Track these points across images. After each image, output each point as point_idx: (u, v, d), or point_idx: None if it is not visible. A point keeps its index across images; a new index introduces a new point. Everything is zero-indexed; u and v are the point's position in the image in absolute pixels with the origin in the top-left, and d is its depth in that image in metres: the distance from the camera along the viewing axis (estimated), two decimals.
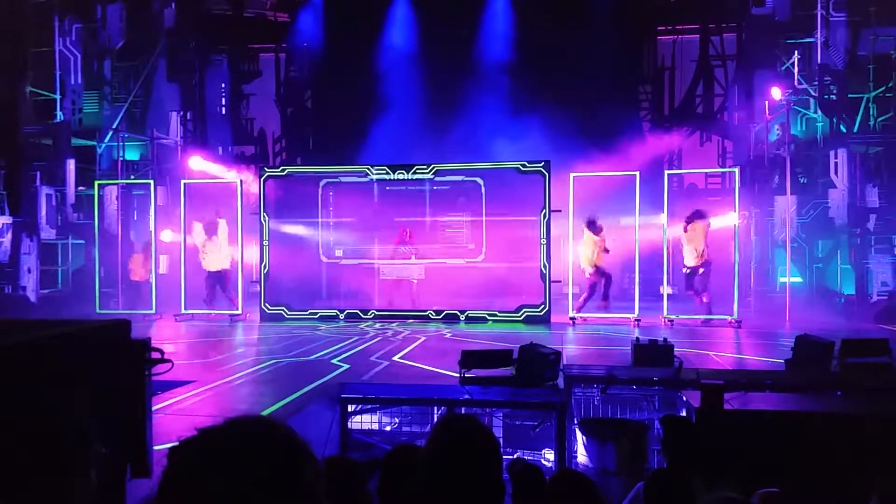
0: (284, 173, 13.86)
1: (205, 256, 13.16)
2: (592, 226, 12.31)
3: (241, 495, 1.00)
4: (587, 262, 12.31)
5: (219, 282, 13.21)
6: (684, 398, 5.17)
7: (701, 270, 12.12)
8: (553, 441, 5.71)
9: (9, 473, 1.15)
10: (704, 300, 12.09)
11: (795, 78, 15.18)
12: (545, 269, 12.49)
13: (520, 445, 6.03)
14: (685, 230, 12.21)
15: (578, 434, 5.68)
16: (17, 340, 2.44)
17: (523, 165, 12.74)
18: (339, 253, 13.58)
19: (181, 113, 18.31)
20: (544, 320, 12.34)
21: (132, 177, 16.44)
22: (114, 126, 16.56)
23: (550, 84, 16.21)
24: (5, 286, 14.68)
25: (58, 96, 16.14)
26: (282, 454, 1.05)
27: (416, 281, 13.18)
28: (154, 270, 13.81)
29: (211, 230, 13.20)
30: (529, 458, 5.57)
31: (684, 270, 12.41)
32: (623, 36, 17.94)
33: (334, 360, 8.56)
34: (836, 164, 14.17)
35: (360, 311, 12.99)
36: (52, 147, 15.89)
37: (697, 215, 12.29)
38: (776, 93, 14.19)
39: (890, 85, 14.58)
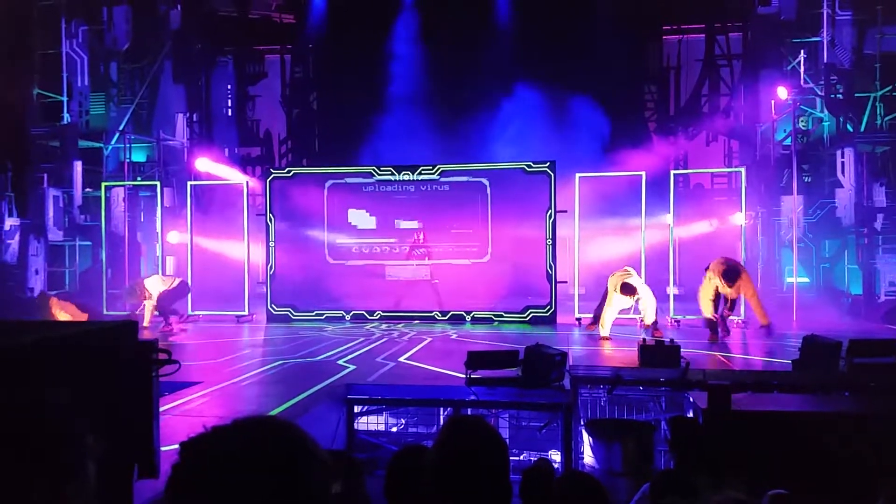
0: (290, 174, 13.89)
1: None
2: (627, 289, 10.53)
3: (249, 494, 1.00)
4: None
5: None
6: (691, 399, 5.17)
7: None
8: (559, 442, 5.71)
9: (8, 472, 1.15)
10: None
11: (801, 77, 15.13)
12: (551, 270, 12.47)
13: (526, 446, 6.03)
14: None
15: (585, 435, 5.68)
16: (25, 341, 2.45)
17: (529, 166, 12.73)
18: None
19: (187, 114, 18.37)
20: (550, 321, 12.33)
21: (139, 178, 16.50)
22: (120, 128, 16.63)
23: (555, 84, 16.18)
24: (13, 287, 14.75)
25: (65, 98, 16.21)
26: (291, 454, 1.05)
27: (437, 281, 13.17)
28: (161, 269, 13.83)
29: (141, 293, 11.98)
30: (536, 459, 5.57)
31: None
32: (628, 36, 17.92)
33: (341, 361, 8.56)
34: (842, 163, 14.11)
35: (366, 311, 13.01)
36: (59, 149, 15.96)
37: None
38: (782, 92, 14.15)
39: None
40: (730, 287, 10.08)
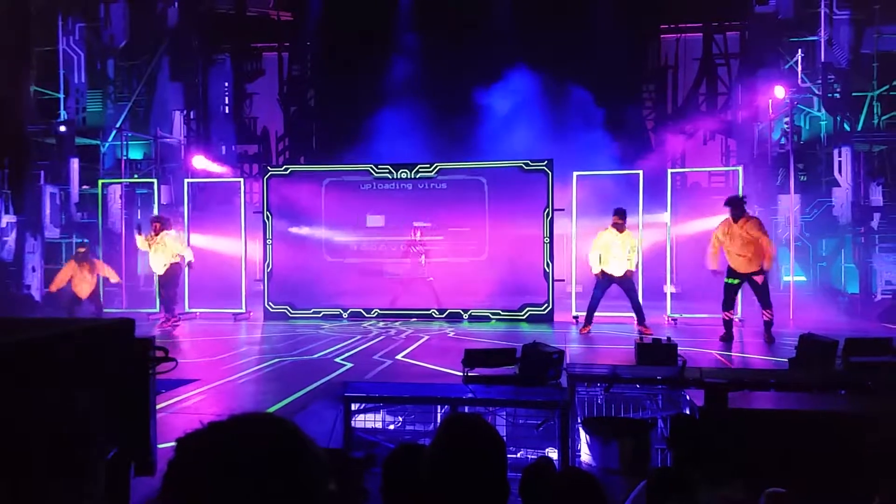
0: (287, 172, 13.87)
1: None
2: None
3: (246, 490, 1.00)
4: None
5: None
6: (688, 397, 5.17)
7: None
8: (556, 440, 5.71)
9: (18, 471, 1.15)
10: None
11: (799, 76, 15.15)
12: (548, 268, 12.48)
13: (523, 444, 6.03)
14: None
15: (582, 433, 5.68)
16: (22, 339, 2.45)
17: (526, 164, 12.72)
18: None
19: (184, 112, 18.34)
20: (547, 319, 12.34)
21: (136, 176, 16.48)
22: (117, 125, 16.60)
23: (554, 82, 16.20)
24: (10, 285, 14.72)
25: (61, 95, 16.18)
26: (287, 450, 1.05)
27: (432, 279, 13.18)
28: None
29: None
30: (533, 456, 5.57)
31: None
32: (626, 34, 17.93)
33: (338, 359, 8.56)
34: (839, 162, 14.14)
35: (364, 309, 13.00)
36: (55, 146, 15.93)
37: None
38: (780, 91, 14.17)
39: (894, 83, 14.54)
40: (735, 222, 9.24)
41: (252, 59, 21.19)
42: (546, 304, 12.47)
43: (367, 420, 6.30)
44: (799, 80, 15.12)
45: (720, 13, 19.03)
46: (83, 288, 11.62)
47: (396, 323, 12.35)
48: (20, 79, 15.36)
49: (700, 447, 4.22)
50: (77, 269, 11.58)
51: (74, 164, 15.57)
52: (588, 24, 17.44)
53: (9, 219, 14.68)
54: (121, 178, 15.60)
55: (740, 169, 13.61)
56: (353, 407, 6.12)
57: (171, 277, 11.77)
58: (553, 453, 5.79)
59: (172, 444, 1.08)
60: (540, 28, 17.39)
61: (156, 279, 12.34)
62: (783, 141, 15.04)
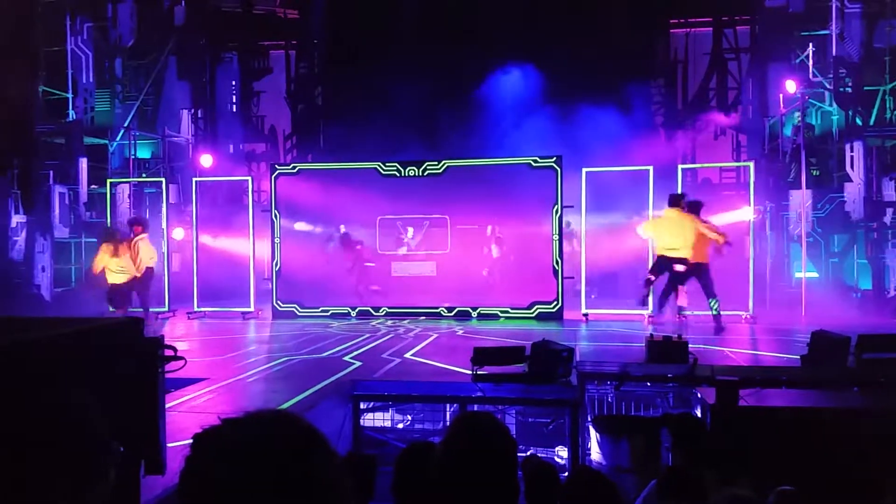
0: (295, 170, 13.88)
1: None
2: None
3: (261, 486, 1.00)
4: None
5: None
6: (699, 395, 5.14)
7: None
8: (566, 438, 5.69)
9: (26, 474, 1.14)
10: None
11: (810, 71, 15.03)
12: (557, 266, 12.44)
13: (533, 442, 6.01)
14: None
15: (592, 431, 5.66)
16: (32, 338, 2.44)
17: (535, 161, 12.68)
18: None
19: (192, 111, 18.37)
20: (557, 317, 12.30)
21: (144, 175, 16.54)
22: (125, 124, 16.65)
23: (562, 78, 16.14)
24: (20, 285, 14.79)
25: (70, 95, 16.24)
26: (302, 447, 1.05)
27: (440, 277, 13.18)
28: (168, 265, 13.85)
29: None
30: (543, 455, 5.55)
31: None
32: (635, 29, 17.84)
33: (346, 358, 8.56)
34: (851, 157, 14.01)
35: (372, 308, 13.00)
36: (64, 146, 16.00)
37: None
38: (791, 86, 14.05)
39: None
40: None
41: (259, 57, 21.19)
42: (556, 302, 12.43)
43: (376, 419, 6.29)
44: (810, 75, 15.00)
45: (730, 7, 18.91)
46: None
47: (405, 321, 12.34)
48: (28, 79, 15.40)
49: (704, 447, 4.19)
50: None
51: (83, 163, 15.62)
52: (597, 18, 17.36)
53: (18, 219, 14.74)
54: (129, 177, 15.65)
55: (751, 165, 13.52)
56: (362, 406, 6.12)
57: (146, 280, 11.70)
58: (563, 452, 5.77)
59: (182, 442, 1.07)
60: (548, 23, 17.32)
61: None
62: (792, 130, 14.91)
